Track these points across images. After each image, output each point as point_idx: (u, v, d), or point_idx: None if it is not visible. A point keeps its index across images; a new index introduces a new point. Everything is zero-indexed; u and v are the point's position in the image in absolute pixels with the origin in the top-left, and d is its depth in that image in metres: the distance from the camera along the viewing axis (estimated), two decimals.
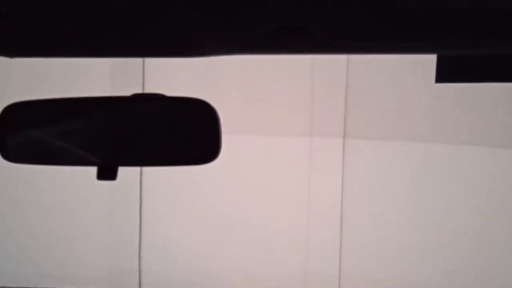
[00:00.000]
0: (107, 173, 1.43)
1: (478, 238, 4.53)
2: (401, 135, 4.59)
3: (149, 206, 4.88)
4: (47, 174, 4.68)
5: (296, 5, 1.03)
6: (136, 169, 4.56)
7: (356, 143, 4.63)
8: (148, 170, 4.67)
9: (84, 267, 4.93)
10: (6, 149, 1.49)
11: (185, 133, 1.50)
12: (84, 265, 4.94)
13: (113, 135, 1.53)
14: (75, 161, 1.58)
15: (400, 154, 4.60)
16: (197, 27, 1.14)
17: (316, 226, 4.67)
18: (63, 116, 1.53)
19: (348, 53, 3.22)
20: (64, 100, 1.51)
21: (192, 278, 4.82)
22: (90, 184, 4.59)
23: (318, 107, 4.64)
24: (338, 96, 4.61)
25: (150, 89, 4.55)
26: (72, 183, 4.80)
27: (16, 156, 1.53)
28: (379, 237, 4.64)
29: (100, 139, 1.52)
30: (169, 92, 1.45)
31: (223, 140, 1.43)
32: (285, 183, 4.72)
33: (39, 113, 1.53)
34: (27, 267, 4.98)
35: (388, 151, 4.61)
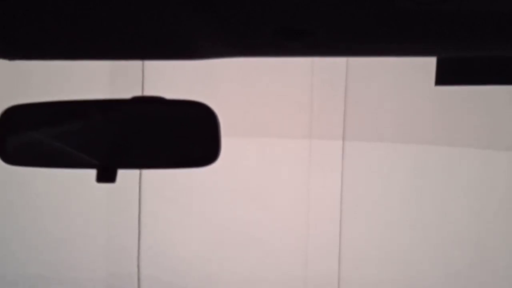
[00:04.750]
0: (106, 175, 1.43)
1: (479, 240, 4.53)
2: (401, 137, 4.59)
3: (148, 209, 4.87)
4: (44, 176, 4.67)
5: (296, 8, 1.03)
6: (135, 171, 4.56)
7: (355, 145, 4.62)
8: (148, 172, 4.67)
9: (82, 270, 4.92)
10: (5, 152, 1.49)
11: (185, 136, 1.50)
12: (82, 268, 4.93)
13: (113, 138, 1.53)
14: (74, 163, 1.58)
15: (400, 156, 4.60)
16: (197, 30, 1.14)
17: (315, 228, 4.67)
18: (63, 119, 1.53)
19: (348, 56, 3.22)
20: (64, 102, 1.51)
21: (191, 281, 4.81)
22: (88, 187, 4.59)
23: (317, 109, 4.64)
24: (338, 98, 4.61)
25: (150, 91, 4.55)
26: (71, 185, 4.80)
27: (16, 159, 1.53)
28: (379, 240, 4.63)
29: (100, 142, 1.53)
30: (168, 95, 1.44)
31: (222, 142, 1.43)
32: (284, 185, 4.72)
33: (38, 116, 1.53)
34: (24, 270, 4.97)
35: (387, 153, 4.61)
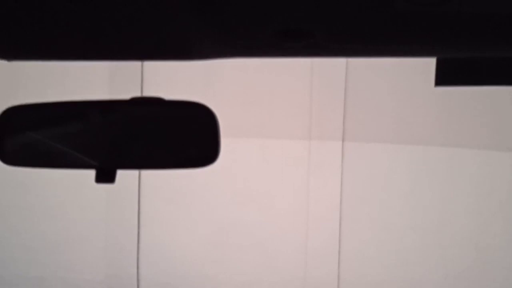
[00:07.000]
0: (105, 176, 1.43)
1: (479, 242, 4.52)
2: (400, 138, 4.59)
3: (147, 210, 4.87)
4: (44, 178, 4.67)
5: (296, 8, 1.03)
6: (135, 172, 4.55)
7: (355, 146, 4.62)
8: (147, 173, 4.67)
9: (81, 272, 4.92)
10: (5, 153, 1.49)
11: (184, 136, 1.50)
12: (81, 269, 4.92)
13: (112, 138, 1.53)
14: (74, 164, 1.58)
15: (399, 157, 4.60)
16: (196, 30, 1.14)
17: (315, 229, 4.66)
18: (62, 120, 1.53)
19: (348, 56, 3.22)
20: (63, 103, 1.51)
21: (191, 282, 4.81)
22: (88, 188, 4.59)
23: (317, 110, 4.64)
24: (337, 99, 4.61)
25: (149, 92, 4.55)
26: (70, 186, 4.79)
27: (15, 160, 1.53)
28: (378, 240, 4.63)
29: (99, 142, 1.52)
30: (167, 96, 1.44)
31: (222, 143, 1.43)
32: (284, 186, 4.71)
33: (37, 117, 1.53)
34: (23, 272, 4.96)
35: (387, 154, 4.61)
